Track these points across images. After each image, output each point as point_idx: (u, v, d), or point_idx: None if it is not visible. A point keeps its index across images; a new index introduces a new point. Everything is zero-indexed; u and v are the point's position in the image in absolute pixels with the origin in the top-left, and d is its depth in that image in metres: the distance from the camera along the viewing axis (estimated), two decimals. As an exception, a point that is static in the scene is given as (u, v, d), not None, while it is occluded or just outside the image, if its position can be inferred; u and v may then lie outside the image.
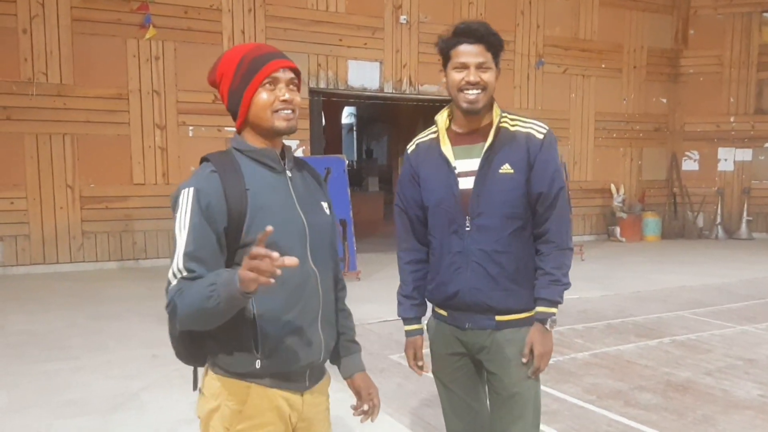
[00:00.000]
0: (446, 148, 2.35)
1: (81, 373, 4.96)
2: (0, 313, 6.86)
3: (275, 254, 1.47)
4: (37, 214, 9.26)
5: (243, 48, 1.86)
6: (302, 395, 1.89)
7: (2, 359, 5.30)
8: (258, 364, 1.78)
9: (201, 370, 1.96)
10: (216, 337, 1.79)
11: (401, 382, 4.77)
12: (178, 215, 1.75)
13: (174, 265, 1.71)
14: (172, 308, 1.68)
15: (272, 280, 1.48)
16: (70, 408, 4.28)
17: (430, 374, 2.58)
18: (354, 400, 2.10)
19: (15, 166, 9.10)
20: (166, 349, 5.71)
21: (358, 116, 25.96)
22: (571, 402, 4.42)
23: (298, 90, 1.88)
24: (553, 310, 2.32)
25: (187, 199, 1.75)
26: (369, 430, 3.77)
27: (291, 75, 1.83)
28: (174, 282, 1.70)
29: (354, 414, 2.09)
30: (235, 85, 1.82)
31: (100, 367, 5.10)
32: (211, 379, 1.85)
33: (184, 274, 1.69)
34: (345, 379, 2.09)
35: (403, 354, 5.01)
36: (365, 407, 2.07)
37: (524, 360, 2.33)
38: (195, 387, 1.93)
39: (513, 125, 2.33)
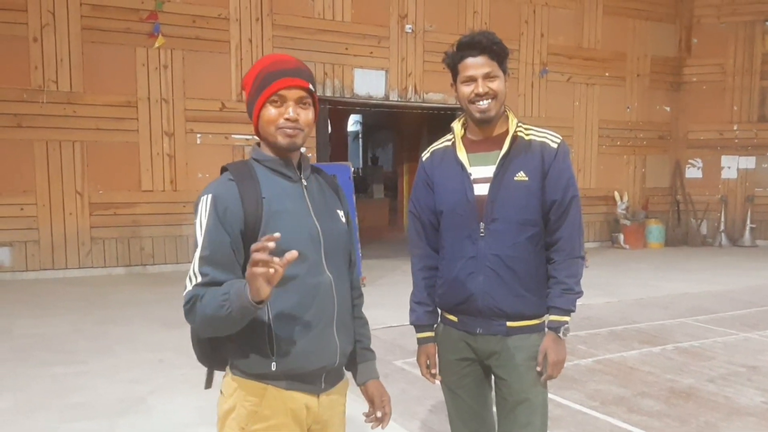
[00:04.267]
0: (462, 154, 2.39)
1: (87, 377, 5.00)
2: (8, 316, 6.91)
3: (271, 244, 1.55)
4: (47, 219, 9.33)
5: (266, 60, 1.90)
6: (318, 397, 1.92)
7: (10, 362, 5.35)
8: (273, 366, 1.82)
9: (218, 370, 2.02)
10: (233, 339, 1.84)
11: (405, 387, 4.80)
12: (197, 222, 1.80)
13: (191, 270, 1.77)
14: (190, 313, 1.75)
15: (272, 270, 1.55)
16: (76, 411, 4.31)
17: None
18: (364, 406, 2.13)
19: (25, 173, 9.18)
20: (172, 354, 5.75)
21: (364, 124, 26.00)
22: (574, 408, 4.44)
23: (314, 107, 1.91)
24: (566, 318, 2.34)
25: (205, 205, 1.80)
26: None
27: (301, 93, 1.86)
28: (189, 287, 1.76)
29: (366, 421, 2.12)
30: (251, 96, 1.88)
31: (106, 371, 5.14)
32: (229, 380, 1.89)
33: (199, 279, 1.75)
34: (359, 385, 2.12)
35: (408, 360, 5.01)
36: (378, 414, 2.10)
37: (538, 368, 2.34)
38: (208, 386, 1.97)
39: (527, 134, 2.37)
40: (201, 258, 1.76)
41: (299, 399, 1.88)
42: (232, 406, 1.86)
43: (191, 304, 1.73)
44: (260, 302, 1.61)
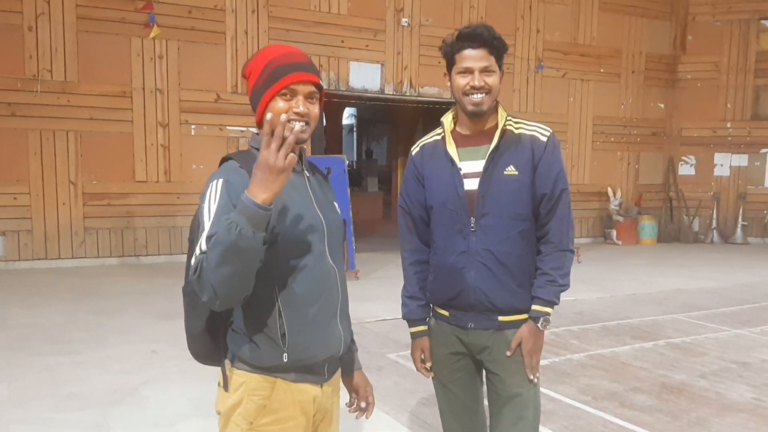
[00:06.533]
0: (452, 149, 2.37)
1: (81, 368, 5.00)
2: (2, 306, 6.90)
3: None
4: (40, 209, 9.31)
5: (276, 50, 1.88)
6: (321, 387, 1.93)
7: (4, 352, 5.34)
8: (285, 357, 1.80)
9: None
10: (243, 332, 1.83)
11: (398, 380, 4.81)
12: (205, 204, 1.74)
13: (197, 249, 1.68)
14: (200, 280, 1.64)
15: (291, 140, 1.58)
16: (70, 401, 4.31)
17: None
18: (347, 399, 2.16)
19: (19, 162, 9.16)
20: (165, 345, 5.75)
21: (359, 117, 25.99)
22: (566, 402, 4.46)
23: (320, 103, 1.90)
24: (548, 309, 2.32)
25: (216, 188, 1.75)
26: (368, 428, 3.84)
27: (312, 88, 1.85)
28: (194, 261, 1.68)
29: (350, 411, 2.14)
30: (258, 87, 1.85)
31: (100, 362, 5.14)
32: (233, 375, 1.86)
33: (204, 249, 1.66)
34: (343, 377, 2.12)
35: (401, 353, 5.01)
36: (362, 404, 2.12)
37: (508, 353, 2.34)
38: (226, 387, 1.89)
39: (517, 128, 2.36)
40: (209, 237, 1.66)
41: (307, 391, 1.89)
42: (238, 401, 1.83)
43: (199, 271, 1.64)
44: (266, 206, 1.57)
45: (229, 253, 1.58)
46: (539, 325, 2.33)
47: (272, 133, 1.58)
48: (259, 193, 1.57)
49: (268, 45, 1.98)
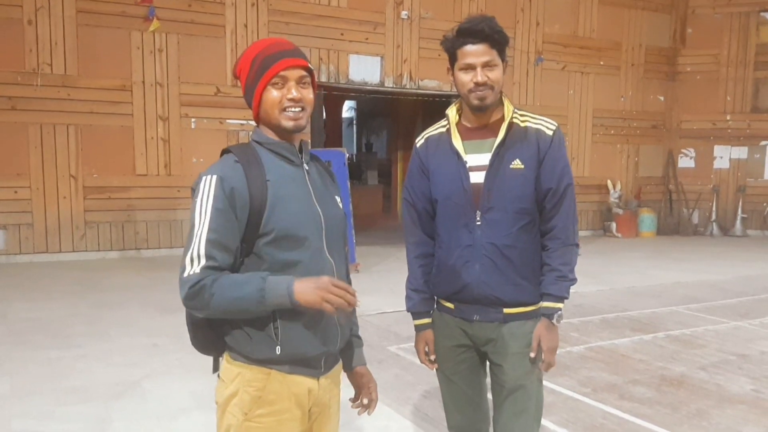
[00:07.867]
0: (457, 142, 2.36)
1: (83, 361, 5.01)
2: (3, 300, 6.91)
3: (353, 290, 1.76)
4: (41, 203, 9.31)
5: (260, 44, 1.89)
6: (318, 380, 1.94)
7: (5, 346, 5.35)
8: (278, 350, 1.82)
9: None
10: (237, 324, 1.84)
11: (399, 373, 4.82)
12: (198, 201, 1.77)
13: (193, 250, 1.73)
14: (197, 297, 1.71)
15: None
16: (72, 395, 4.32)
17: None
18: (351, 393, 2.16)
19: (19, 156, 9.15)
20: (166, 338, 5.76)
21: (359, 110, 25.93)
22: (566, 394, 4.48)
23: (313, 87, 1.90)
24: (560, 305, 2.34)
25: (209, 185, 1.77)
26: (368, 421, 3.86)
27: (302, 72, 1.85)
28: (192, 269, 1.73)
29: (352, 406, 2.14)
30: (250, 82, 1.86)
31: (101, 355, 5.15)
32: (230, 366, 1.88)
33: (204, 262, 1.72)
34: (346, 371, 2.13)
35: (402, 345, 5.02)
36: (365, 401, 2.13)
37: (532, 354, 2.34)
38: (215, 370, 1.96)
39: (523, 121, 2.35)
40: (209, 241, 1.73)
41: (302, 383, 1.89)
42: (234, 392, 1.85)
43: (199, 288, 1.71)
44: (300, 305, 1.74)
45: (243, 310, 1.76)
46: (554, 321, 2.34)
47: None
48: (302, 295, 1.72)
49: (254, 41, 1.98)
